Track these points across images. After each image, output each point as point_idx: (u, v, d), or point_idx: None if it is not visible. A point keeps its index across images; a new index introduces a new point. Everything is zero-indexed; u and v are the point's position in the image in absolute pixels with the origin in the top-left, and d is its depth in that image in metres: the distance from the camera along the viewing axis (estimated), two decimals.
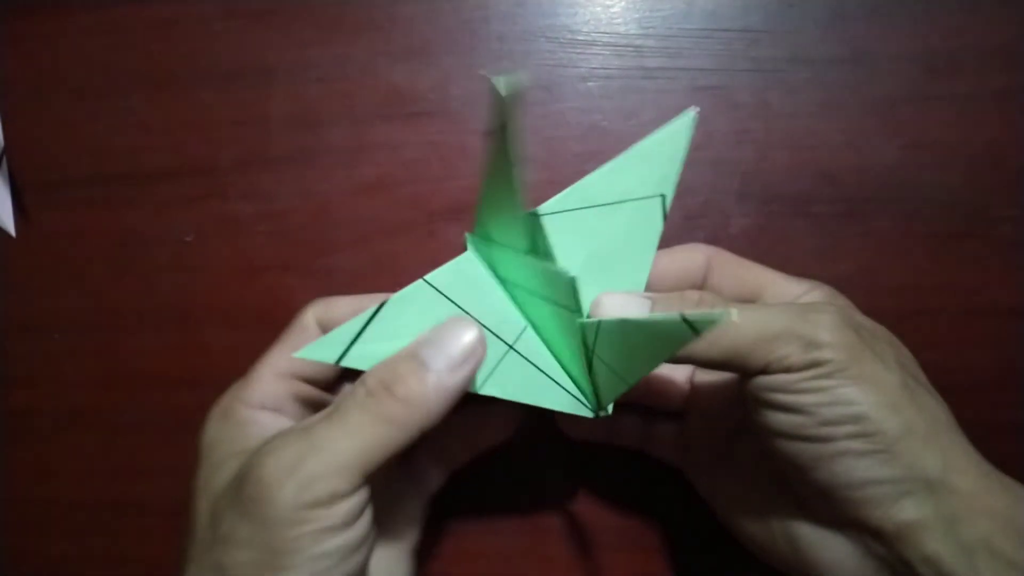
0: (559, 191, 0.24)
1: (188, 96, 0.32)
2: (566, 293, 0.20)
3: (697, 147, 0.25)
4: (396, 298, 0.22)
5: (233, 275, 0.31)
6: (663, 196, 0.23)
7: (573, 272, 0.19)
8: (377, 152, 0.31)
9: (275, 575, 0.19)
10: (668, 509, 0.29)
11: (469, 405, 0.22)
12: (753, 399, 0.20)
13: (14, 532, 0.31)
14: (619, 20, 0.31)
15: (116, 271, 0.32)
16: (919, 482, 0.19)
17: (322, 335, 0.22)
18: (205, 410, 0.32)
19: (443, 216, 0.31)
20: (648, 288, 0.24)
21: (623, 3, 0.31)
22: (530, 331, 0.22)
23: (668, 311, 0.21)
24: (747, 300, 0.24)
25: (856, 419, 0.19)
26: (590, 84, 0.31)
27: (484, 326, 0.22)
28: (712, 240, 0.27)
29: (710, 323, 0.15)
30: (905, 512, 0.19)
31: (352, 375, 0.25)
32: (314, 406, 0.24)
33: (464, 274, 0.22)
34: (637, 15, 0.31)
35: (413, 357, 0.20)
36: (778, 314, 0.20)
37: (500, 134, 0.18)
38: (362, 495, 0.20)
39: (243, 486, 0.19)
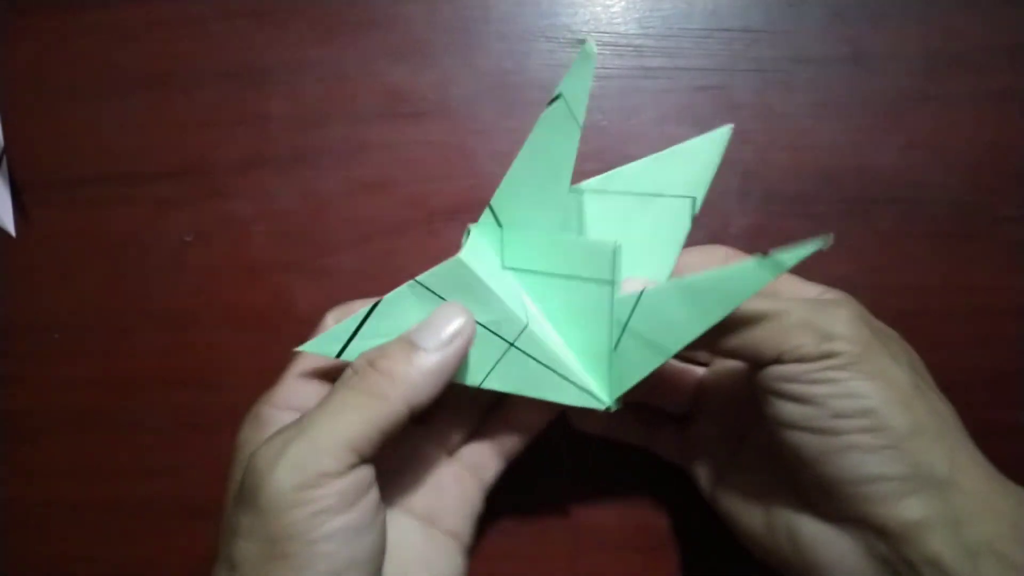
0: None
1: (188, 96, 0.32)
2: (604, 264, 0.21)
3: None
4: (389, 297, 0.23)
5: (233, 275, 0.31)
6: (694, 199, 0.24)
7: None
8: (377, 152, 0.31)
9: (277, 562, 0.19)
10: (669, 510, 0.29)
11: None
12: (765, 389, 0.20)
13: (14, 532, 0.31)
14: (619, 20, 0.31)
15: (116, 271, 0.32)
16: (925, 481, 0.19)
17: None
18: (205, 410, 0.32)
19: (443, 216, 0.31)
20: None
21: (623, 3, 0.31)
22: (533, 329, 0.22)
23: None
24: None
25: (866, 413, 0.19)
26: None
27: (480, 322, 0.22)
28: (712, 240, 0.27)
29: (798, 256, 0.17)
30: (910, 510, 0.19)
31: None
32: None
33: (456, 276, 0.22)
34: (637, 15, 0.31)
35: (402, 339, 0.21)
36: (795, 305, 0.20)
37: (570, 98, 0.21)
38: (359, 475, 0.20)
39: (243, 478, 0.20)
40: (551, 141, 0.22)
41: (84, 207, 0.32)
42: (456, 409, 0.26)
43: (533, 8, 0.31)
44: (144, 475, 0.31)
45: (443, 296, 0.23)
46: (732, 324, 0.20)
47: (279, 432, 0.20)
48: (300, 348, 0.23)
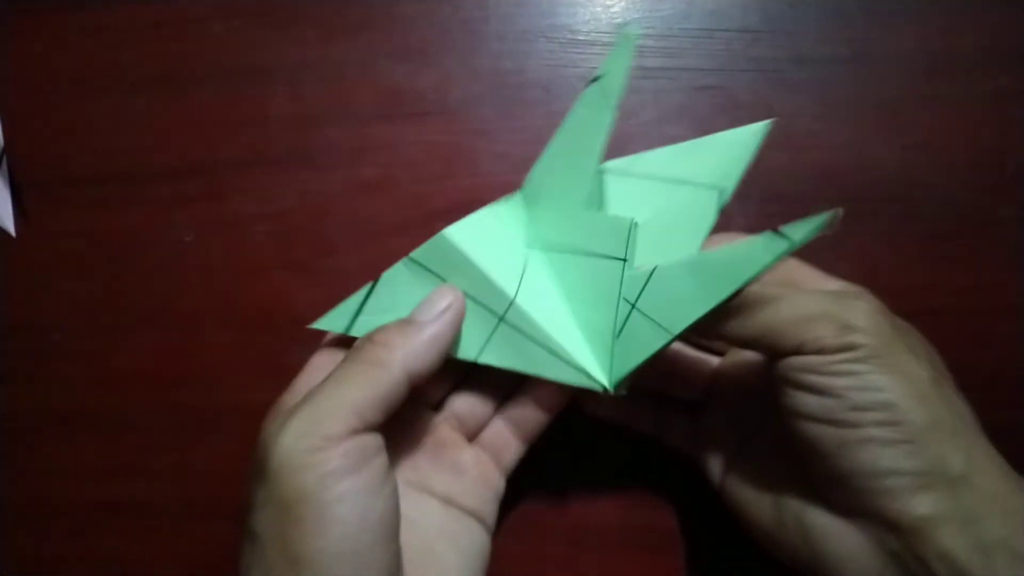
0: None
1: (188, 96, 0.32)
2: (619, 240, 0.21)
3: None
4: (387, 275, 0.24)
5: (233, 275, 0.31)
6: (721, 191, 0.23)
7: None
8: (377, 152, 0.31)
9: (293, 528, 0.19)
10: (671, 509, 0.29)
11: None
12: (783, 380, 0.20)
13: (14, 532, 0.31)
14: (619, 20, 0.31)
15: (116, 271, 0.32)
16: (940, 477, 0.19)
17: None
18: (205, 410, 0.32)
19: (443, 216, 0.31)
20: None
21: (623, 3, 0.31)
22: (520, 303, 0.23)
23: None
24: None
25: (884, 406, 0.19)
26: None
27: (471, 296, 0.23)
28: None
29: (812, 231, 0.17)
30: (923, 506, 0.19)
31: None
32: None
33: (441, 250, 0.23)
34: (637, 15, 0.31)
35: (400, 320, 0.22)
36: (816, 296, 0.20)
37: (609, 80, 0.22)
38: (364, 440, 0.20)
39: (255, 453, 0.20)
40: (587, 120, 0.23)
41: (84, 207, 0.32)
42: (477, 393, 0.26)
43: (533, 8, 0.31)
44: (144, 475, 0.31)
45: (433, 269, 0.23)
46: (751, 312, 0.20)
47: (289, 408, 0.21)
48: (312, 326, 0.24)
